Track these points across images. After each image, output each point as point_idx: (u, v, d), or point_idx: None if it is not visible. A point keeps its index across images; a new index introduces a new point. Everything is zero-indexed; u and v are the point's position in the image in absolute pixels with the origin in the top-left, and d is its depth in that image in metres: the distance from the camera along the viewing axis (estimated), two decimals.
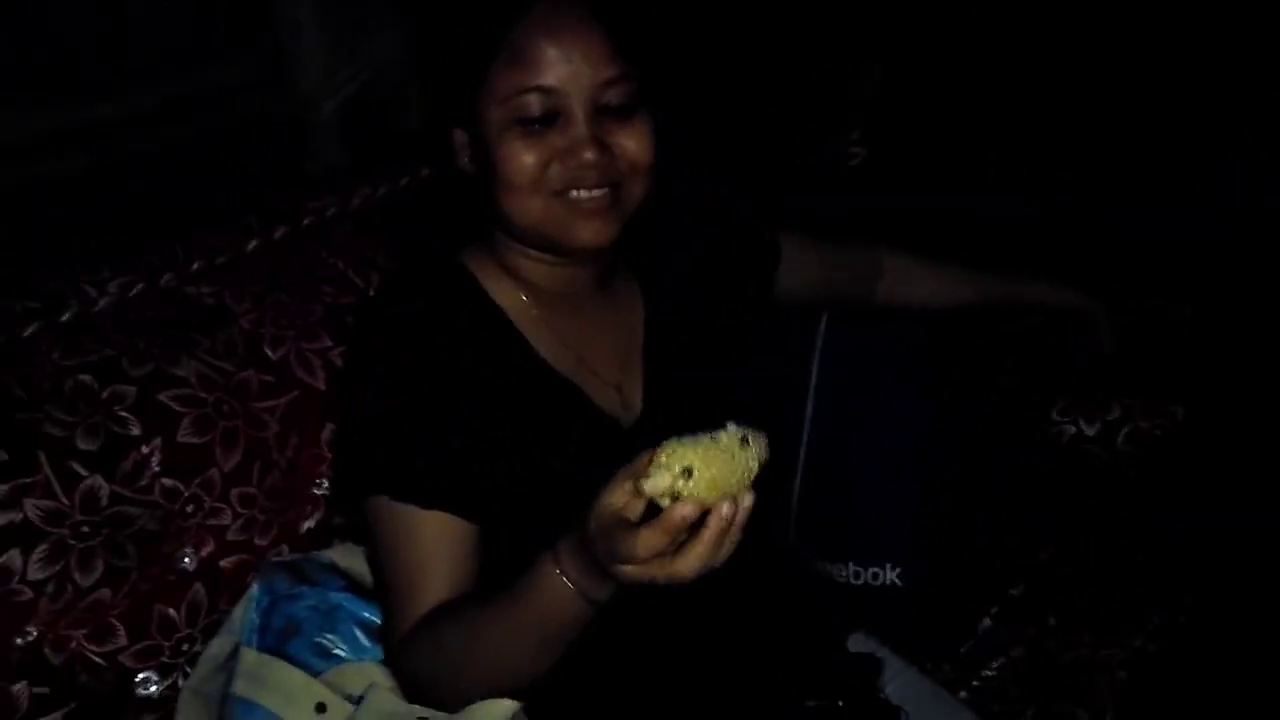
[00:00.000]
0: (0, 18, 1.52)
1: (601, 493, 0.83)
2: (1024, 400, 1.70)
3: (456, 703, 0.98)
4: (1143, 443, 1.68)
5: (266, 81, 1.78)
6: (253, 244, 1.32)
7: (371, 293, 1.32)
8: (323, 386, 1.25)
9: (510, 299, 1.13)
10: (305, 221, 1.37)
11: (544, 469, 1.06)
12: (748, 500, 0.80)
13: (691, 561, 0.80)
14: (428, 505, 1.02)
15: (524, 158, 1.02)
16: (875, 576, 1.45)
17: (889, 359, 1.47)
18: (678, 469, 0.78)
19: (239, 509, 1.18)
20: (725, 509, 0.79)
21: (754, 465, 0.81)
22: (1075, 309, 1.51)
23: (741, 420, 0.82)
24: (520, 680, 0.97)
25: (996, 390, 1.67)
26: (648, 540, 0.79)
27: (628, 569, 0.82)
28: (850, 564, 1.46)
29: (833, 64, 2.30)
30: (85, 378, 1.11)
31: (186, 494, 1.14)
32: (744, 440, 0.81)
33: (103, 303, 1.19)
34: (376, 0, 1.83)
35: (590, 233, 1.05)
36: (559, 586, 0.89)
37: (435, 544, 1.03)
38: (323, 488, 1.25)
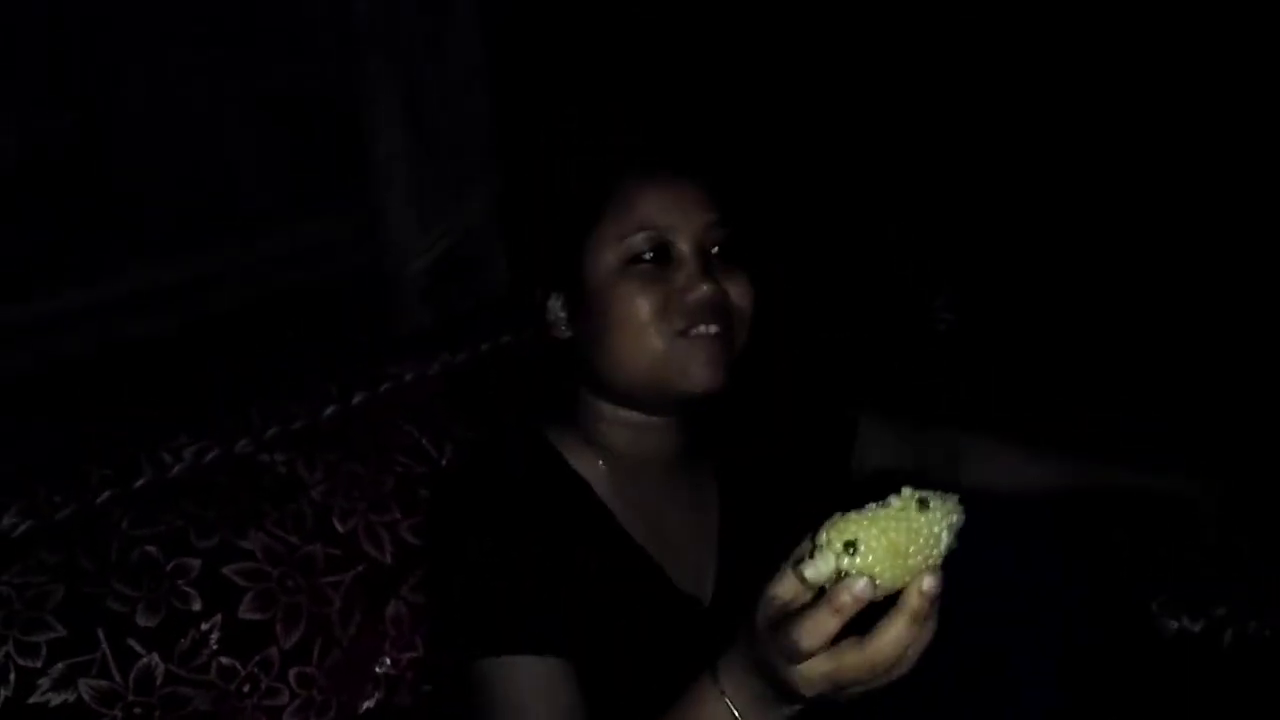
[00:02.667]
0: (80, 179, 1.57)
1: (765, 587, 0.74)
2: (1122, 594, 1.59)
3: None
4: (1252, 643, 1.56)
5: (356, 239, 1.81)
6: (330, 409, 1.32)
7: (445, 463, 1.30)
8: (390, 561, 1.22)
9: (591, 470, 1.13)
10: (383, 387, 1.37)
11: (622, 641, 1.04)
12: (928, 583, 0.68)
13: (887, 647, 0.69)
14: (540, 652, 0.98)
15: (642, 298, 1.04)
16: None
17: (975, 554, 1.39)
18: (839, 545, 0.69)
19: (296, 689, 1.14)
20: (926, 582, 0.68)
21: (941, 531, 0.70)
22: (1179, 496, 1.41)
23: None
24: None
25: (1092, 583, 1.57)
26: (815, 624, 0.69)
27: (805, 668, 0.71)
28: None
29: (919, 228, 2.29)
30: (151, 549, 1.10)
31: (243, 673, 1.11)
32: (922, 503, 0.70)
33: (176, 469, 1.19)
34: (469, 161, 1.86)
35: (704, 377, 1.05)
36: (722, 713, 0.80)
37: (553, 690, 0.97)
38: (385, 666, 1.21)
